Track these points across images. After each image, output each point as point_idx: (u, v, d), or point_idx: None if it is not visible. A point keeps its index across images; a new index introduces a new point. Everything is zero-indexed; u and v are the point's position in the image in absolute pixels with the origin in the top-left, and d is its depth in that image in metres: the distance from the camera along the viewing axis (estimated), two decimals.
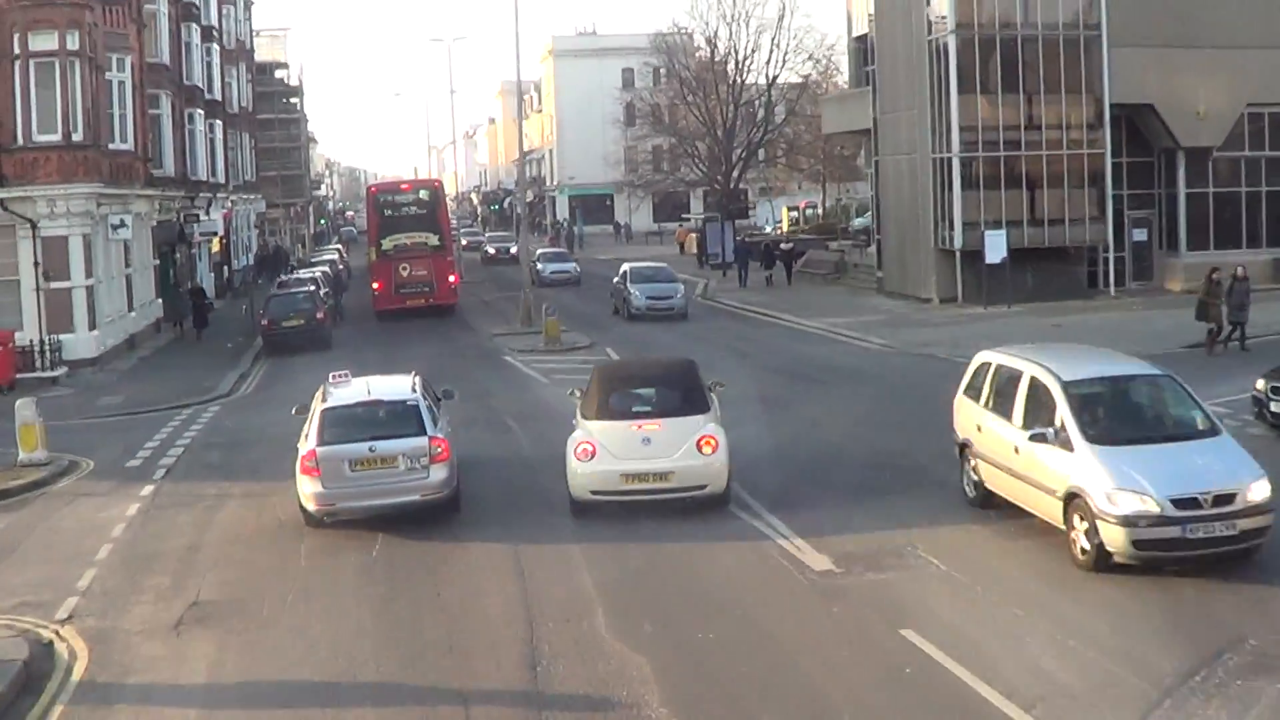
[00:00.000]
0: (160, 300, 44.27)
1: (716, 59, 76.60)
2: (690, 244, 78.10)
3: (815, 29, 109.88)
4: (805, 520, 16.18)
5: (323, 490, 16.01)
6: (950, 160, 39.78)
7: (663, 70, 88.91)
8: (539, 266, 57.81)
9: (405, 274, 42.33)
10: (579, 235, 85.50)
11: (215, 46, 60.63)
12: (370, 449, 16.13)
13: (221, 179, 60.94)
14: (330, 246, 72.64)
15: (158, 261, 44.31)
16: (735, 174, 76.67)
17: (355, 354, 34.30)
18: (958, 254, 40.18)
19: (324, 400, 17.18)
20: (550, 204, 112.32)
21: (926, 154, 40.85)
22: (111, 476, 21.49)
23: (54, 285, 33.35)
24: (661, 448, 16.29)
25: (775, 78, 75.22)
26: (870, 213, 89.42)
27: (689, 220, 79.92)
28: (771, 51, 74.46)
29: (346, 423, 16.56)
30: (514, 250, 76.67)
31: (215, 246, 58.78)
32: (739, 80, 75.99)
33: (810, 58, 75.21)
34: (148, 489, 20.24)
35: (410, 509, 16.33)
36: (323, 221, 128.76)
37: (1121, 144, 41.23)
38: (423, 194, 45.54)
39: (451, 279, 44.57)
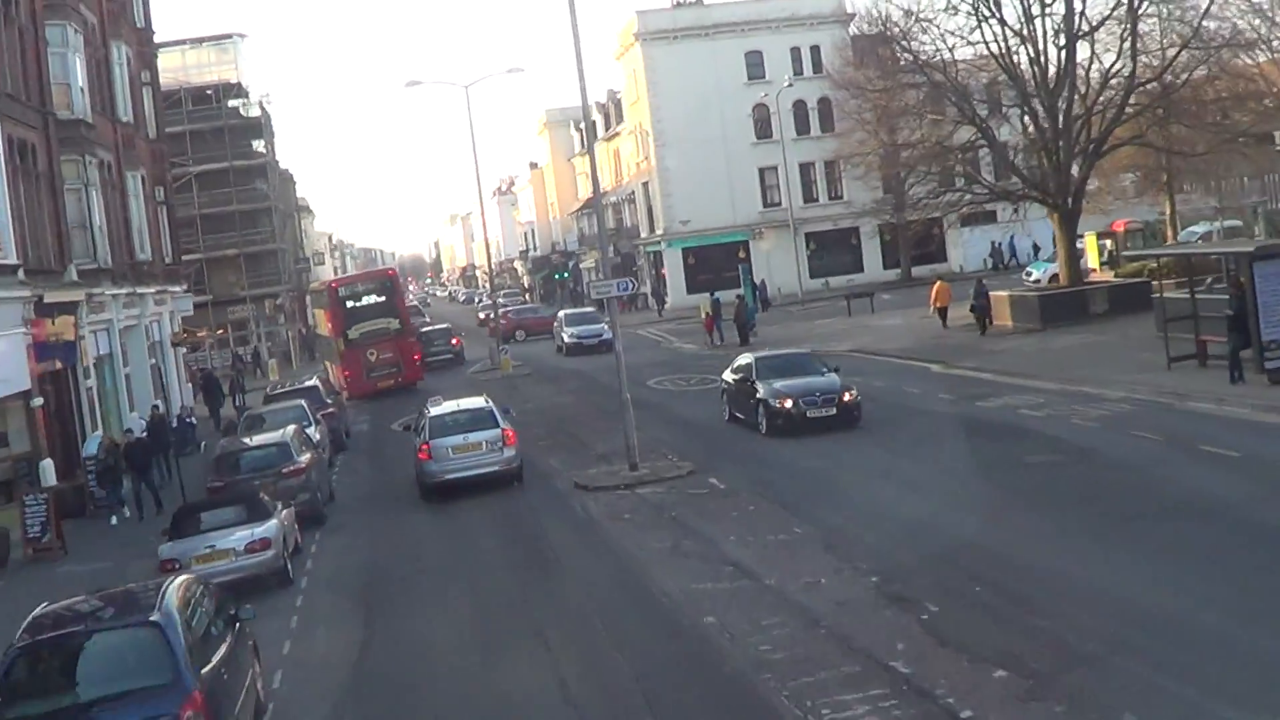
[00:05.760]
0: None
1: None
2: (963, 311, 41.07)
3: None
4: None
5: (436, 467, 22.79)
6: None
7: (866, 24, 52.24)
8: (761, 390, 25.52)
9: (374, 358, 44.09)
10: (751, 311, 48.34)
11: None
12: (464, 438, 23.00)
13: (15, 256, 24.43)
14: (301, 384, 34.24)
15: None
16: (1078, 168, 39.48)
17: None
18: None
19: (429, 412, 24.31)
20: (652, 261, 75.23)
21: None
22: None
23: None
24: None
25: None
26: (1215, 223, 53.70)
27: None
28: None
29: (447, 424, 23.48)
30: (607, 335, 40.81)
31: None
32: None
33: None
34: None
35: (492, 476, 22.90)
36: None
37: None
38: (380, 283, 47.46)
39: (416, 358, 46.37)
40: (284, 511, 18.93)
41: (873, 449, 22.61)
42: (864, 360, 37.23)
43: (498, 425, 23.33)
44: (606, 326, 43.28)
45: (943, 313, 43.61)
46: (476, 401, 25.34)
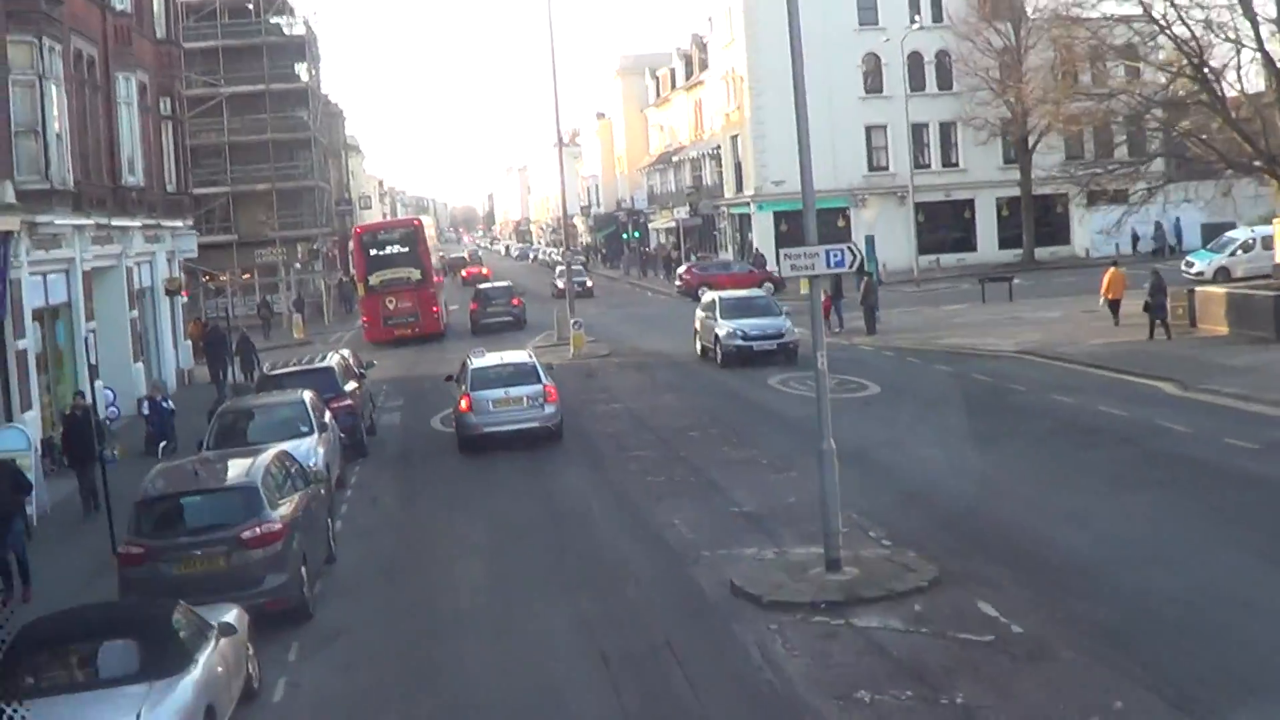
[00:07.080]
0: None
1: None
2: None
3: None
4: None
5: (475, 420, 22.37)
6: None
7: None
8: None
9: (392, 307, 44.08)
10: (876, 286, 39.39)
11: None
12: (505, 392, 22.57)
13: None
14: (312, 363, 25.82)
15: None
16: None
17: None
18: None
19: (472, 364, 23.87)
20: (735, 224, 66.21)
21: None
22: None
23: None
24: None
25: None
26: None
27: None
28: None
29: (489, 377, 23.08)
30: (789, 337, 31.19)
31: None
32: None
33: None
34: None
35: (531, 432, 22.35)
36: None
37: None
38: (404, 232, 47.28)
39: (435, 309, 45.64)
40: (221, 643, 10.17)
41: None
42: (1047, 368, 28.33)
43: (540, 381, 23.03)
44: (787, 320, 31.09)
45: (1114, 306, 34.63)
46: (519, 355, 25.35)
